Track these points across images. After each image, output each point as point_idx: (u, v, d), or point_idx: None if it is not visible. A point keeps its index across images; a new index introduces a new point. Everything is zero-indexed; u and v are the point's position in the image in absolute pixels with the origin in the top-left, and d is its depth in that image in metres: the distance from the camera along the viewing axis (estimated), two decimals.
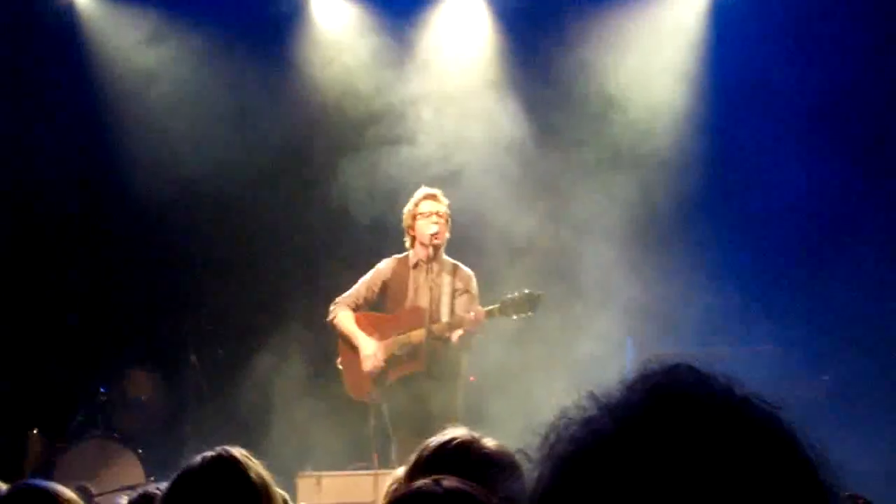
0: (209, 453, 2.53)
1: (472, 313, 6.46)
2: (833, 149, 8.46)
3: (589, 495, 0.97)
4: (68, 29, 9.17)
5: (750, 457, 0.95)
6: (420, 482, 2.01)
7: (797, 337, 8.15)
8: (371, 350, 6.69)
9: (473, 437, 2.44)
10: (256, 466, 2.56)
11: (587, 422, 1.01)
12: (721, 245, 8.46)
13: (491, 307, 6.48)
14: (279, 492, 2.75)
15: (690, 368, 1.02)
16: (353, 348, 6.80)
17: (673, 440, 0.95)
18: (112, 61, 9.19)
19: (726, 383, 1.01)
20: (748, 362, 8.14)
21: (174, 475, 2.55)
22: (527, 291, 6.46)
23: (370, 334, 6.79)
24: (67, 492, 2.55)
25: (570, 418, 1.03)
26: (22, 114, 9.12)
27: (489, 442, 2.41)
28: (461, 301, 6.72)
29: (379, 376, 6.70)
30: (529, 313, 6.47)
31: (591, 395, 1.03)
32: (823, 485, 0.99)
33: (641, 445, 0.95)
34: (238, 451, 2.56)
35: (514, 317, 6.49)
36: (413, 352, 6.59)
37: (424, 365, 6.56)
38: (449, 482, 1.96)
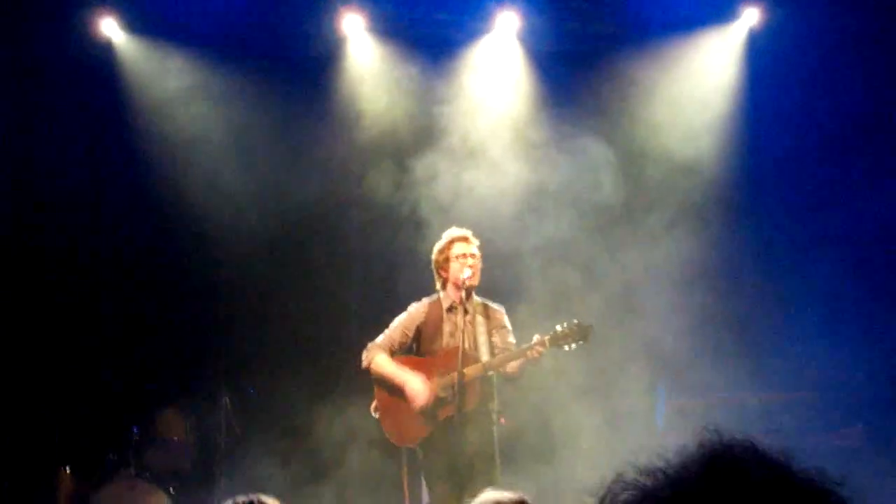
0: (240, 499, 2.52)
1: (535, 339, 6.34)
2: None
3: None
4: (106, 69, 9.27)
5: None
6: None
7: (831, 384, 8.07)
8: (420, 385, 6.56)
9: (518, 501, 2.43)
10: None
11: (644, 489, 1.01)
12: (748, 294, 8.42)
13: (544, 337, 6.35)
14: None
15: (747, 443, 1.05)
16: (395, 391, 6.63)
17: None
18: (151, 109, 9.27)
19: (783, 459, 1.03)
20: (781, 410, 8.08)
21: None
22: (576, 322, 6.37)
23: None
24: None
25: (625, 483, 1.03)
26: (56, 158, 9.20)
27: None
28: (500, 337, 6.67)
29: (429, 413, 6.57)
30: (581, 342, 6.39)
31: (647, 463, 1.03)
32: None
33: None
34: (268, 500, 2.55)
35: (566, 347, 6.39)
36: (457, 392, 6.47)
37: (465, 408, 6.46)
38: None
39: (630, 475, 1.03)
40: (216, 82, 9.22)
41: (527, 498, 2.48)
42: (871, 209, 8.56)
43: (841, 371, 7.98)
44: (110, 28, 9.17)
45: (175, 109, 9.25)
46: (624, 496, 1.01)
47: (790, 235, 8.75)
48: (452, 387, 6.48)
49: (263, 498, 2.58)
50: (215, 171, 9.14)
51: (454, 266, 6.63)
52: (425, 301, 6.86)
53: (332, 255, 9.56)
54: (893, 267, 8.43)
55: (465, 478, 6.36)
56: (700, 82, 9.14)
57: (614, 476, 1.04)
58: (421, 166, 8.59)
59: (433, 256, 6.75)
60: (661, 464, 1.03)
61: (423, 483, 7.39)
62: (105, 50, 9.24)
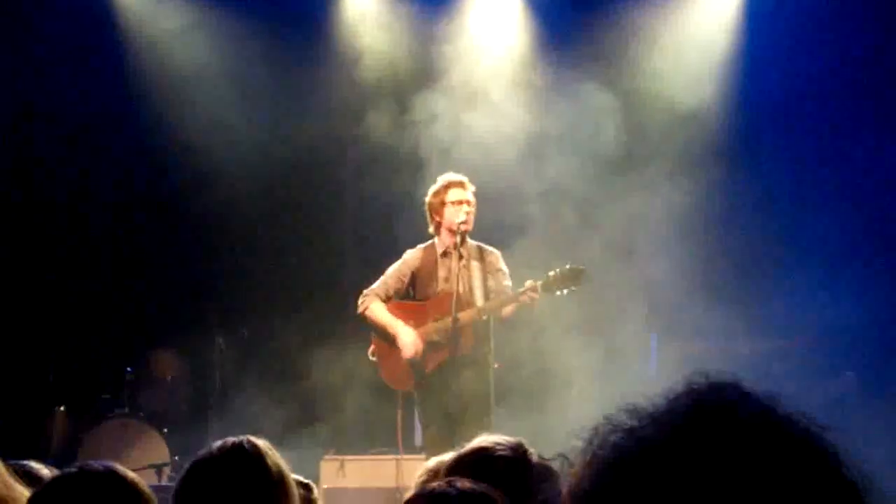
0: (230, 440, 2.53)
1: (527, 284, 6.36)
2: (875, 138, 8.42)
3: (629, 501, 0.99)
4: (104, 15, 9.19)
5: (790, 475, 0.97)
6: (435, 483, 2.03)
7: (821, 333, 8.10)
8: (410, 338, 6.58)
9: (519, 448, 2.44)
10: (275, 458, 2.55)
11: (632, 430, 1.03)
12: (746, 242, 8.41)
13: (537, 282, 6.36)
14: (300, 479, 2.75)
15: (735, 386, 1.05)
16: (389, 338, 6.68)
17: (715, 454, 0.97)
18: (148, 49, 9.21)
19: (770, 401, 1.03)
20: (771, 358, 8.12)
21: (191, 460, 2.55)
22: (569, 267, 6.38)
23: (405, 322, 6.73)
24: (132, 474, 2.53)
25: (614, 425, 1.04)
26: (55, 98, 9.16)
27: (534, 457, 2.42)
28: (496, 281, 6.68)
29: (418, 363, 6.63)
30: (573, 287, 6.39)
31: (636, 405, 1.05)
32: None
33: (685, 456, 0.97)
34: (259, 442, 2.55)
35: (559, 292, 6.40)
36: (452, 336, 6.52)
37: (459, 352, 6.51)
38: (463, 484, 1.97)
39: (618, 417, 1.04)
40: (212, 21, 9.17)
41: (524, 441, 2.49)
42: (873, 156, 8.54)
43: (835, 318, 8.00)
44: None
45: (171, 48, 9.20)
46: (612, 438, 1.02)
47: (790, 183, 8.74)
48: (447, 331, 6.51)
49: (254, 439, 2.58)
50: (212, 111, 9.10)
51: (449, 211, 6.61)
52: (420, 247, 6.87)
53: (330, 197, 9.56)
54: (893, 215, 8.41)
55: (459, 420, 6.41)
56: (700, 29, 9.09)
57: (603, 418, 1.04)
58: (420, 107, 8.55)
59: (427, 199, 6.71)
60: (649, 405, 1.04)
61: (417, 425, 7.45)
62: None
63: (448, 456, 2.63)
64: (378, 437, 8.36)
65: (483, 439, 2.54)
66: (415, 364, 6.61)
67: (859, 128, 8.64)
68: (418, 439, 7.61)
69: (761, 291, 8.14)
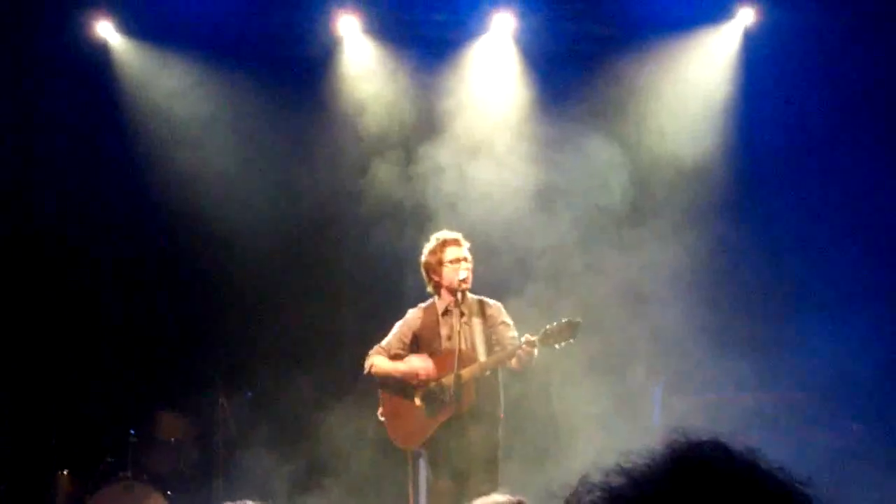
0: None
1: (524, 338, 6.37)
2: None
3: None
4: (102, 71, 9.27)
5: None
6: None
7: (828, 384, 8.07)
8: (420, 361, 6.60)
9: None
10: None
11: (611, 490, 1.01)
12: (753, 294, 8.42)
13: (533, 337, 6.36)
14: None
15: (715, 443, 1.05)
16: (398, 392, 6.68)
17: None
18: (145, 106, 9.28)
19: (750, 458, 1.03)
20: (775, 410, 8.08)
21: None
22: (565, 320, 6.38)
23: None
24: None
25: (593, 484, 1.03)
26: (53, 155, 9.21)
27: None
28: (501, 332, 6.67)
29: (431, 414, 6.62)
30: (570, 340, 6.40)
31: (616, 463, 1.04)
32: None
33: None
34: None
35: (556, 346, 6.41)
36: (455, 393, 6.50)
37: (463, 409, 6.49)
38: None
39: (595, 476, 1.03)
40: (213, 85, 9.24)
41: (525, 500, 2.48)
42: (875, 205, 8.55)
43: (842, 370, 7.97)
44: (106, 30, 9.18)
45: (172, 111, 9.25)
46: (589, 498, 1.02)
47: (795, 232, 8.74)
48: (450, 387, 6.50)
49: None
50: (215, 169, 9.14)
51: (447, 270, 6.60)
52: (421, 306, 6.86)
53: (335, 253, 9.55)
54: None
55: (467, 476, 6.38)
56: (698, 83, 9.15)
57: (580, 477, 1.04)
58: (424, 159, 8.62)
59: (423, 259, 6.70)
60: (629, 464, 1.03)
61: (422, 485, 7.41)
62: (101, 52, 9.25)
63: None
64: (385, 496, 8.32)
65: (486, 499, 2.53)
66: (428, 415, 6.58)
67: (863, 170, 8.65)
68: (423, 499, 7.56)
69: (768, 343, 8.13)
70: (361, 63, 9.34)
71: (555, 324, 6.37)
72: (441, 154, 8.63)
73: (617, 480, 1.01)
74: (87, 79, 9.22)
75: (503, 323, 6.69)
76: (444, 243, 6.64)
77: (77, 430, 8.84)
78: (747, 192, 8.92)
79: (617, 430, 7.64)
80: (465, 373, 6.46)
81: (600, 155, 8.72)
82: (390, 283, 8.25)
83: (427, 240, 6.77)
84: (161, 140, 9.17)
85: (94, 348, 9.23)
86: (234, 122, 9.28)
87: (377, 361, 6.74)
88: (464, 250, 6.64)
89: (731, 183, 8.86)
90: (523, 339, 6.36)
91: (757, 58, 9.02)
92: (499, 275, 7.96)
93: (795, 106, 8.79)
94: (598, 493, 1.01)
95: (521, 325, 6.69)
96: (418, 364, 6.61)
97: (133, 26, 9.20)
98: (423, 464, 7.11)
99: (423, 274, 6.73)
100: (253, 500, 2.62)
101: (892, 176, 8.55)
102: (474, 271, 6.69)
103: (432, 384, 6.60)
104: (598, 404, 7.79)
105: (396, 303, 7.22)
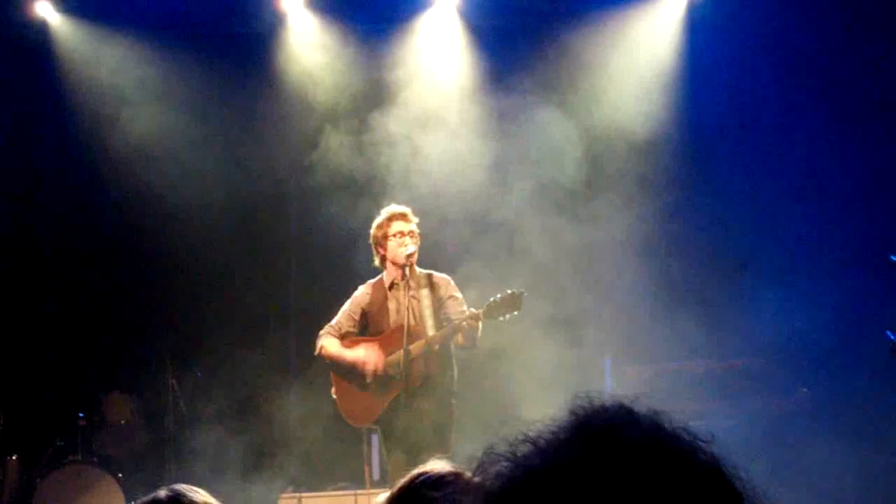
0: (163, 493, 2.49)
1: (468, 311, 6.39)
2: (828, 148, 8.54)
3: None
4: (42, 48, 9.13)
5: (672, 493, 0.96)
6: None
7: (776, 351, 8.17)
8: (365, 352, 6.60)
9: (458, 473, 2.44)
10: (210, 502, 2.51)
11: (517, 460, 1.02)
12: (691, 261, 8.49)
13: (477, 311, 6.36)
14: None
15: (620, 407, 1.05)
16: (348, 374, 6.68)
17: (597, 478, 0.97)
18: (84, 83, 9.15)
19: (653, 420, 1.03)
20: (725, 377, 8.16)
21: None
22: (509, 291, 6.38)
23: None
24: None
25: (498, 454, 1.03)
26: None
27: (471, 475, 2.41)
28: (450, 306, 6.68)
29: (381, 391, 6.63)
30: (515, 312, 6.40)
31: (522, 433, 1.04)
32: None
33: (567, 483, 0.97)
34: (195, 491, 2.51)
35: (501, 318, 6.42)
36: (405, 368, 6.52)
37: (414, 384, 6.51)
38: None
39: (501, 446, 1.04)
40: (156, 62, 9.13)
41: (466, 473, 2.48)
42: (826, 172, 8.62)
43: (789, 336, 8.07)
44: (45, 9, 9.06)
45: (115, 90, 9.13)
46: (495, 468, 1.02)
47: (742, 201, 8.81)
48: (398, 364, 6.52)
49: (182, 488, 2.53)
50: (159, 151, 9.04)
51: (392, 244, 6.60)
52: (369, 282, 6.87)
53: (283, 229, 9.51)
54: (845, 228, 8.48)
55: (420, 451, 6.40)
56: (645, 54, 9.18)
57: (485, 448, 1.04)
58: (373, 134, 8.60)
59: (371, 232, 6.69)
60: (534, 433, 1.03)
61: (376, 460, 7.44)
62: (40, 32, 9.11)
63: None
64: (339, 472, 8.33)
65: (426, 466, 2.54)
66: (377, 392, 6.59)
67: (813, 136, 8.72)
68: (377, 474, 7.59)
69: (716, 311, 8.20)
70: (306, 37, 9.29)
71: (499, 296, 6.39)
72: (392, 125, 8.61)
73: (522, 449, 1.02)
74: (26, 59, 9.08)
75: (451, 297, 6.70)
76: (390, 217, 6.64)
77: (25, 415, 8.75)
78: (698, 162, 8.97)
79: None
80: (414, 348, 6.48)
81: (552, 128, 8.73)
82: (342, 258, 8.21)
83: (379, 213, 6.76)
84: (104, 118, 9.04)
85: (41, 332, 9.13)
86: (180, 98, 9.17)
87: (327, 344, 6.75)
88: (410, 225, 6.62)
89: (682, 153, 8.92)
90: (468, 311, 6.39)
91: (703, 26, 9.07)
92: (452, 246, 7.97)
93: (743, 73, 8.83)
94: (504, 463, 1.02)
95: (474, 298, 6.70)
96: (365, 355, 6.61)
97: (73, 5, 9.06)
98: (376, 440, 7.14)
99: (372, 248, 6.72)
100: (206, 478, 2.60)
101: (842, 141, 8.62)
102: (427, 243, 6.71)
103: (390, 357, 6.61)
104: (549, 374, 7.82)
105: (347, 278, 7.20)
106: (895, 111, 8.64)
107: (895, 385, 7.38)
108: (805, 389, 8.19)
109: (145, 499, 2.46)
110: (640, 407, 1.05)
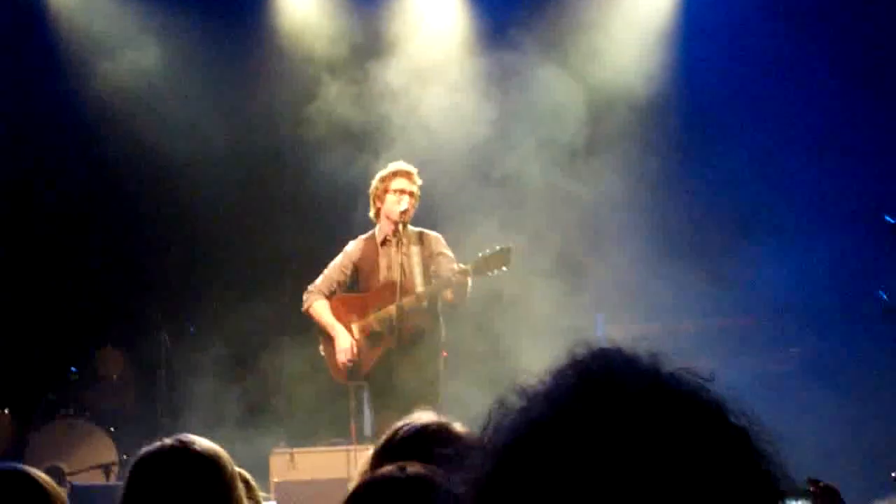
0: (168, 441, 2.49)
1: (457, 266, 6.42)
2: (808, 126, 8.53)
3: (528, 483, 0.99)
4: (36, 8, 9.05)
5: (677, 430, 0.98)
6: (385, 468, 2.03)
7: (767, 310, 8.20)
8: (346, 344, 6.65)
9: (442, 423, 2.44)
10: (214, 450, 2.52)
11: (523, 410, 1.03)
12: (689, 220, 8.49)
13: (465, 266, 6.40)
14: (240, 471, 2.72)
15: (617, 351, 1.05)
16: (332, 337, 6.76)
17: (603, 423, 0.98)
18: (78, 42, 9.07)
19: (653, 362, 1.03)
20: (716, 335, 8.21)
21: (133, 459, 2.52)
22: (498, 247, 6.43)
23: (348, 315, 6.72)
24: (41, 473, 2.53)
25: (507, 407, 1.04)
26: None
27: (458, 428, 2.42)
28: (441, 263, 6.70)
29: (353, 368, 6.68)
30: (504, 268, 6.42)
31: (526, 384, 1.05)
32: (757, 451, 1.01)
33: (576, 430, 0.98)
34: (197, 439, 2.52)
35: (490, 273, 6.44)
36: (392, 326, 6.57)
37: (404, 339, 6.56)
38: (412, 468, 1.98)
39: (509, 398, 1.04)
40: (150, 13, 9.04)
41: (450, 423, 2.48)
42: (827, 133, 8.59)
43: (781, 296, 8.10)
44: None
45: (108, 46, 9.05)
46: (505, 420, 1.03)
47: (744, 164, 8.78)
48: (390, 319, 6.54)
49: (189, 437, 2.54)
50: (153, 106, 8.97)
51: (390, 198, 6.61)
52: (361, 237, 6.89)
53: (276, 184, 9.46)
54: (843, 186, 8.47)
55: (408, 406, 6.42)
56: (641, 10, 9.12)
57: (496, 402, 1.05)
58: (373, 87, 8.56)
59: (373, 183, 6.69)
60: (537, 382, 1.04)
61: (367, 415, 7.48)
62: None
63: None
64: (330, 428, 8.37)
65: (414, 416, 2.55)
66: (349, 368, 6.67)
67: (815, 95, 8.67)
68: (368, 429, 7.63)
69: (708, 270, 8.22)
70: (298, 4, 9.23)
71: (488, 251, 6.41)
72: (392, 79, 8.56)
73: (529, 401, 1.02)
74: (19, 19, 8.99)
75: (441, 254, 6.71)
76: (394, 173, 6.64)
77: (16, 369, 8.76)
78: (697, 120, 8.93)
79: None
80: (404, 303, 6.51)
81: (552, 84, 8.70)
82: (339, 212, 8.19)
83: (382, 167, 6.76)
84: (97, 71, 8.96)
85: (33, 286, 9.11)
86: (176, 51, 9.09)
87: (316, 305, 6.82)
88: (412, 186, 6.63)
89: (682, 111, 8.87)
90: (457, 267, 6.41)
91: None
92: (450, 200, 7.96)
93: (743, 30, 8.78)
94: (512, 416, 1.03)
95: (471, 253, 6.71)
96: (342, 343, 6.67)
97: None
98: (365, 395, 7.18)
99: (370, 199, 6.72)
100: (198, 433, 2.60)
101: (842, 98, 8.58)
102: (425, 196, 6.74)
103: (370, 317, 6.64)
104: (541, 327, 7.85)
105: (345, 233, 7.19)
106: None
107: (886, 343, 7.44)
108: (796, 349, 8.23)
109: (150, 447, 2.47)
110: (639, 352, 1.05)
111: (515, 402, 1.04)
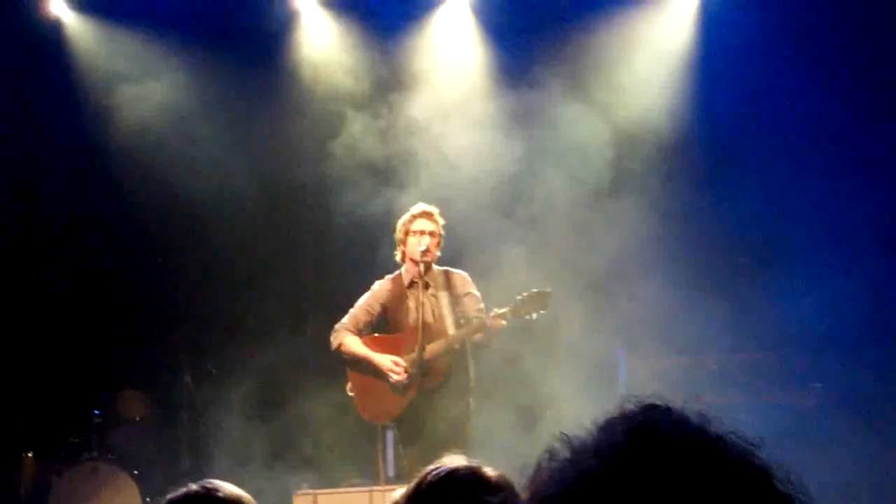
0: (193, 487, 2.50)
1: (492, 313, 6.42)
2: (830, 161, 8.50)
3: None
4: (55, 47, 9.15)
5: (724, 494, 0.99)
6: None
7: (789, 345, 8.15)
8: (389, 363, 6.62)
9: (473, 468, 2.44)
10: (240, 496, 2.52)
11: (572, 462, 1.05)
12: (707, 253, 8.47)
13: (503, 310, 6.42)
14: None
15: (666, 409, 1.07)
16: (368, 371, 6.71)
17: (654, 481, 0.99)
18: (100, 81, 9.15)
19: (700, 423, 1.06)
20: (739, 369, 8.15)
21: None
22: (535, 290, 6.43)
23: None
24: None
25: (554, 458, 1.07)
26: (6, 130, 9.09)
27: (489, 472, 2.42)
28: (467, 304, 6.70)
29: (401, 390, 6.64)
30: (542, 311, 6.43)
31: (574, 436, 1.08)
32: None
33: (625, 486, 1.00)
34: (223, 484, 2.52)
35: (527, 316, 6.43)
36: (422, 367, 6.56)
37: (435, 381, 6.55)
38: None
39: (558, 449, 1.06)
40: (169, 60, 9.12)
41: (481, 467, 2.48)
42: (848, 165, 8.57)
43: (803, 331, 8.05)
44: (59, 7, 9.09)
45: (130, 86, 9.12)
46: (554, 471, 1.04)
47: (761, 195, 8.77)
48: (422, 362, 6.55)
49: (215, 483, 2.54)
50: (176, 145, 9.00)
51: (411, 241, 6.65)
52: (388, 277, 6.90)
53: (299, 224, 9.48)
54: (864, 226, 8.44)
55: (437, 451, 6.39)
56: (658, 50, 9.15)
57: (545, 452, 1.07)
58: (396, 127, 8.60)
59: (397, 227, 6.76)
60: (586, 435, 1.07)
61: (390, 457, 7.45)
62: (54, 30, 9.14)
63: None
64: (352, 469, 8.34)
65: (445, 460, 2.55)
66: (397, 391, 6.61)
67: (835, 126, 8.66)
68: (391, 471, 7.60)
69: (730, 305, 8.18)
70: (321, 33, 9.29)
71: (525, 294, 6.42)
72: (415, 114, 8.60)
73: (579, 453, 1.05)
74: (39, 57, 9.09)
75: (468, 294, 6.73)
76: (414, 216, 6.71)
77: (41, 413, 8.77)
78: (721, 156, 8.92)
79: (585, 397, 7.65)
80: (435, 346, 6.52)
81: (573, 123, 8.72)
82: (362, 250, 8.20)
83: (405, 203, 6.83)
84: (117, 112, 9.03)
85: (56, 328, 9.14)
86: (197, 93, 9.14)
87: (348, 341, 6.78)
88: (433, 225, 6.67)
89: (702, 147, 8.87)
90: (492, 313, 6.40)
91: (718, 19, 9.03)
92: (473, 241, 7.97)
93: (762, 66, 8.78)
94: (561, 467, 1.04)
95: (494, 291, 6.71)
96: (386, 363, 6.62)
97: (86, 2, 9.09)
98: (391, 436, 7.16)
99: (395, 243, 6.78)
100: (220, 475, 2.60)
101: (864, 131, 8.57)
102: (449, 234, 6.77)
103: (412, 355, 6.63)
104: (567, 362, 7.84)
105: (368, 270, 7.21)
106: None
107: None
108: (818, 384, 8.17)
109: (176, 493, 2.47)
110: (687, 408, 1.07)
111: (563, 453, 1.06)
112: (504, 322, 6.39)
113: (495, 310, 6.42)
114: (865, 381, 7.88)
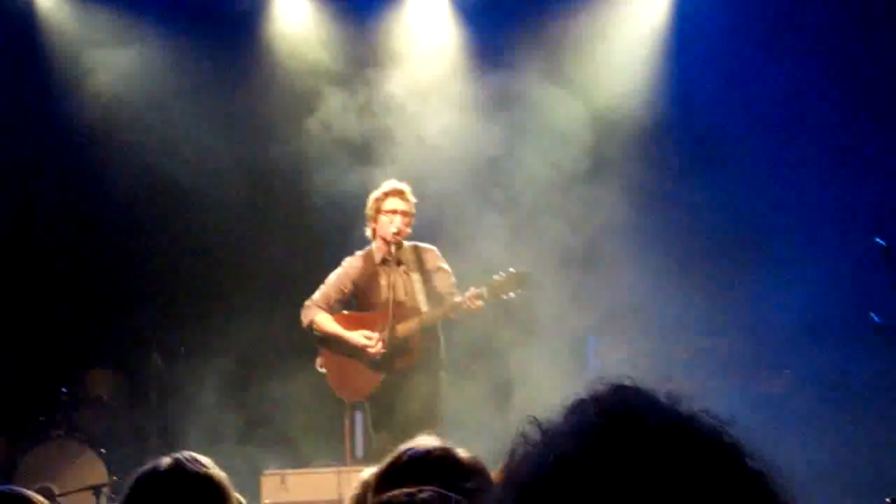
0: (166, 460, 2.48)
1: (469, 293, 6.40)
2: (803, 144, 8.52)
3: None
4: (28, 28, 9.06)
5: (698, 472, 1.00)
6: (396, 493, 2.01)
7: (759, 332, 8.19)
8: (363, 340, 6.61)
9: (447, 450, 2.43)
10: (213, 472, 2.51)
11: (547, 447, 1.05)
12: (683, 240, 8.49)
13: (480, 289, 6.41)
14: (236, 496, 2.70)
15: (638, 391, 1.07)
16: (340, 348, 6.70)
17: (626, 463, 1.00)
18: (72, 55, 9.06)
19: (672, 402, 1.06)
20: (709, 355, 8.19)
21: (134, 476, 2.50)
22: (512, 270, 6.43)
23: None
24: (36, 495, 2.51)
25: (529, 442, 1.07)
26: None
27: (462, 453, 2.41)
28: (439, 279, 6.68)
29: (374, 368, 6.63)
30: (519, 291, 6.43)
31: (546, 420, 1.07)
32: (773, 495, 1.03)
33: (599, 469, 1.00)
34: (198, 457, 2.51)
35: (504, 297, 6.43)
36: (394, 346, 6.56)
37: (408, 360, 6.55)
38: (423, 494, 1.96)
39: (530, 432, 1.07)
40: (142, 35, 9.04)
41: (454, 448, 2.47)
42: (831, 155, 8.59)
43: (773, 317, 8.10)
44: None
45: (105, 65, 9.03)
46: (527, 455, 1.04)
47: (738, 182, 8.78)
48: (394, 340, 6.57)
49: (191, 455, 2.53)
50: (147, 119, 8.94)
51: (382, 220, 6.63)
52: (359, 254, 6.88)
53: (272, 203, 9.44)
54: (838, 216, 8.48)
55: (409, 427, 6.42)
56: (636, 33, 9.14)
57: (518, 436, 1.06)
58: (372, 104, 8.55)
59: (368, 203, 6.72)
60: (558, 418, 1.07)
61: (359, 437, 7.46)
62: (26, 6, 9.04)
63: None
64: (320, 449, 8.33)
65: (415, 441, 2.54)
66: (371, 368, 6.61)
67: (809, 125, 8.67)
68: (359, 451, 7.61)
69: (700, 292, 8.21)
70: (297, 7, 9.26)
71: (502, 274, 6.40)
72: (391, 93, 8.58)
73: (551, 436, 1.05)
74: (11, 35, 8.99)
75: (439, 268, 6.73)
76: (386, 193, 6.68)
77: (7, 391, 8.70)
78: (700, 143, 8.94)
79: (555, 383, 7.66)
80: (409, 325, 6.49)
81: (551, 105, 8.72)
82: (335, 229, 8.17)
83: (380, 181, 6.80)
84: (90, 88, 8.94)
85: (24, 306, 9.06)
86: (169, 67, 9.07)
87: (319, 318, 6.76)
88: (405, 205, 6.63)
89: (681, 130, 8.88)
90: (468, 293, 6.39)
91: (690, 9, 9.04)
92: (449, 219, 7.95)
93: (745, 47, 8.79)
94: (534, 451, 1.05)
95: (471, 270, 6.69)
96: (360, 339, 6.61)
97: None
98: (359, 416, 7.16)
99: (366, 219, 6.74)
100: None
101: (844, 119, 8.59)
102: (425, 215, 6.81)
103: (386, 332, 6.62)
104: (543, 350, 7.86)
105: (341, 249, 7.16)
106: None
107: (881, 364, 7.43)
108: (788, 371, 8.22)
109: (147, 466, 2.45)
110: (656, 388, 1.07)
111: (536, 437, 1.06)
112: (480, 303, 6.37)
113: (472, 289, 6.41)
114: (834, 368, 7.94)
